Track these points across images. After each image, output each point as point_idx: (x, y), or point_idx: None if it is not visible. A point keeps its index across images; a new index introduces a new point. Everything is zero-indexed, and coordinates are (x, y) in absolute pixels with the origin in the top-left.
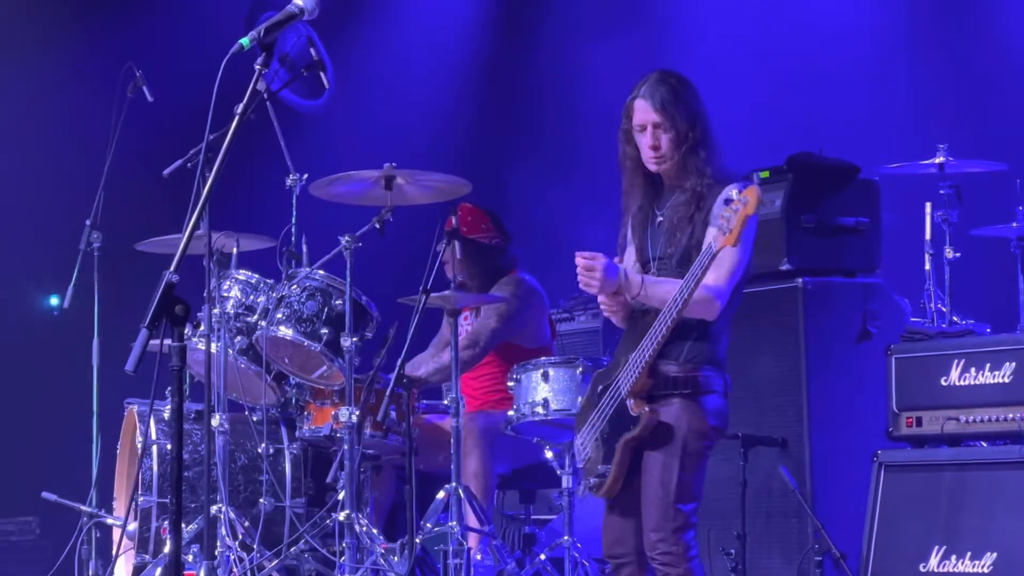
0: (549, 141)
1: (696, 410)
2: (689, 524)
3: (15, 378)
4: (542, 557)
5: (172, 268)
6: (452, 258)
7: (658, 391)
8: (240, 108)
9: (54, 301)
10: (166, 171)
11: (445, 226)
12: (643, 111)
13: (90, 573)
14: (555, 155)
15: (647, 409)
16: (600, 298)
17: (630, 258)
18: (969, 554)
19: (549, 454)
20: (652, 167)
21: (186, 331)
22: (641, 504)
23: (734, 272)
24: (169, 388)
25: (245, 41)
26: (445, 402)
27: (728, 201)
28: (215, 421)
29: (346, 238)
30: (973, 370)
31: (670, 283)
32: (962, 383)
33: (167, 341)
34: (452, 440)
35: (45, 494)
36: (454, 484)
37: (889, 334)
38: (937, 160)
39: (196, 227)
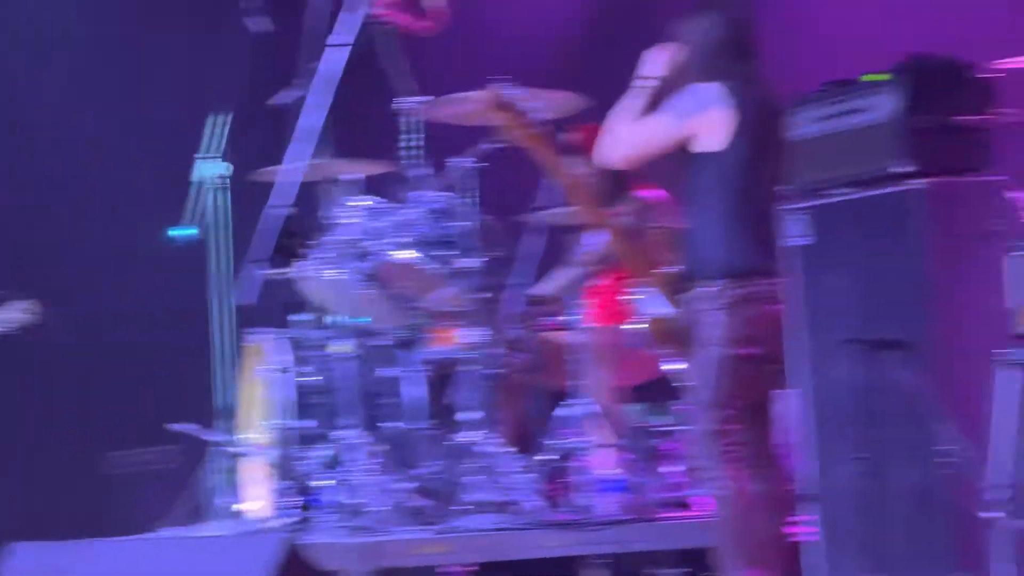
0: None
1: None
2: None
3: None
4: (672, 469)
5: (281, 202)
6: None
7: None
8: (334, 38)
9: (181, 233)
10: (271, 100)
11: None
12: None
13: (220, 501)
14: None
15: None
16: None
17: None
18: None
19: (678, 366)
20: None
21: (300, 261)
22: None
23: None
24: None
25: None
26: (570, 318)
27: None
28: (341, 347)
29: (466, 158)
30: None
31: None
32: None
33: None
34: (579, 355)
35: (173, 425)
36: (582, 399)
37: (1012, 231)
38: None
39: (308, 158)
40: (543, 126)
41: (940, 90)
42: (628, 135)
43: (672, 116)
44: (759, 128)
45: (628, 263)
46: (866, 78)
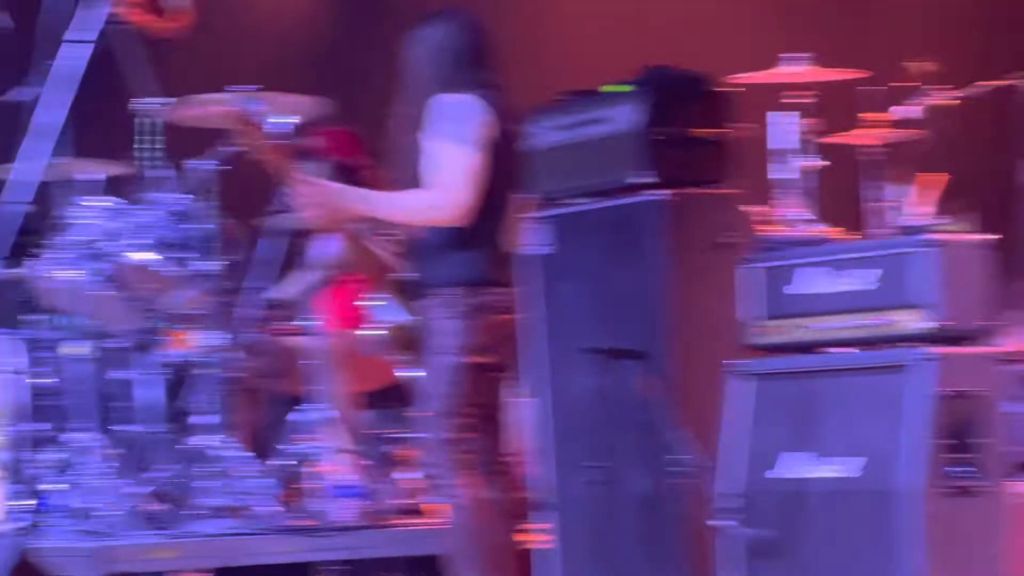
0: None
1: None
2: None
3: None
4: (407, 476)
5: (17, 199)
6: None
7: None
8: (71, 35)
9: None
10: (5, 96)
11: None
12: None
13: None
14: None
15: None
16: None
17: None
18: (826, 460)
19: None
20: None
21: (36, 259)
22: None
23: None
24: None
25: None
26: (307, 322)
27: None
28: (76, 349)
29: (205, 161)
30: (828, 277)
31: None
32: (817, 291)
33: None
34: (316, 360)
35: None
36: (318, 404)
37: (744, 244)
38: (790, 69)
39: (45, 155)
40: (278, 136)
41: (678, 102)
42: (443, 191)
43: (462, 144)
44: (499, 137)
45: (364, 268)
46: (606, 89)
